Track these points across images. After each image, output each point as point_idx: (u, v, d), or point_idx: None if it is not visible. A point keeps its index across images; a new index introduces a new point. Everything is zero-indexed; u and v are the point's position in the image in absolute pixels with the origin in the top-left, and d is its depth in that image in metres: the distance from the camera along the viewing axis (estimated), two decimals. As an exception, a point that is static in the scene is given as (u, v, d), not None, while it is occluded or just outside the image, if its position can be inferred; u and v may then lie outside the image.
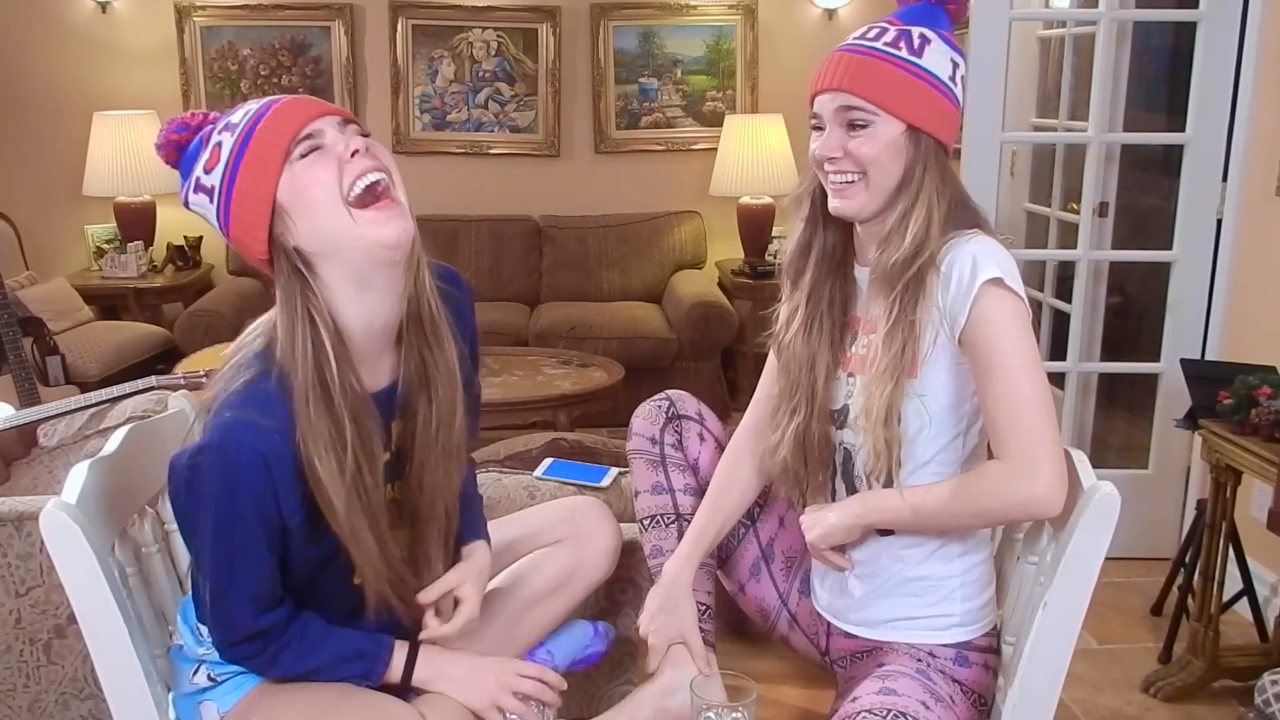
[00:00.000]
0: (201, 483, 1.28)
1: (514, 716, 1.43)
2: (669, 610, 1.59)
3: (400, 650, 1.44)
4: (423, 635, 1.47)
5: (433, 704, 1.43)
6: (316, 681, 1.41)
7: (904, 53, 1.43)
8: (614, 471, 2.09)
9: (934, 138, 1.44)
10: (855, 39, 1.47)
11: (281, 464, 1.27)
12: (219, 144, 1.33)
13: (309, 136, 1.29)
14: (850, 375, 1.52)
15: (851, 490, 1.54)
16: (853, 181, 1.45)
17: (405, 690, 1.45)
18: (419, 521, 1.45)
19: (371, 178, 1.29)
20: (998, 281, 1.38)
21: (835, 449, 1.54)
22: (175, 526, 1.60)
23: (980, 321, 1.39)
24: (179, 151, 1.40)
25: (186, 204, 1.39)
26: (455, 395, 1.44)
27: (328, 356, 1.29)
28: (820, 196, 1.52)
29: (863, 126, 1.43)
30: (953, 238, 1.44)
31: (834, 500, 1.56)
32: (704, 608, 1.64)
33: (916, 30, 1.45)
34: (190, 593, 1.49)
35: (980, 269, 1.39)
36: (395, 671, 1.43)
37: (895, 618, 1.54)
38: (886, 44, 1.44)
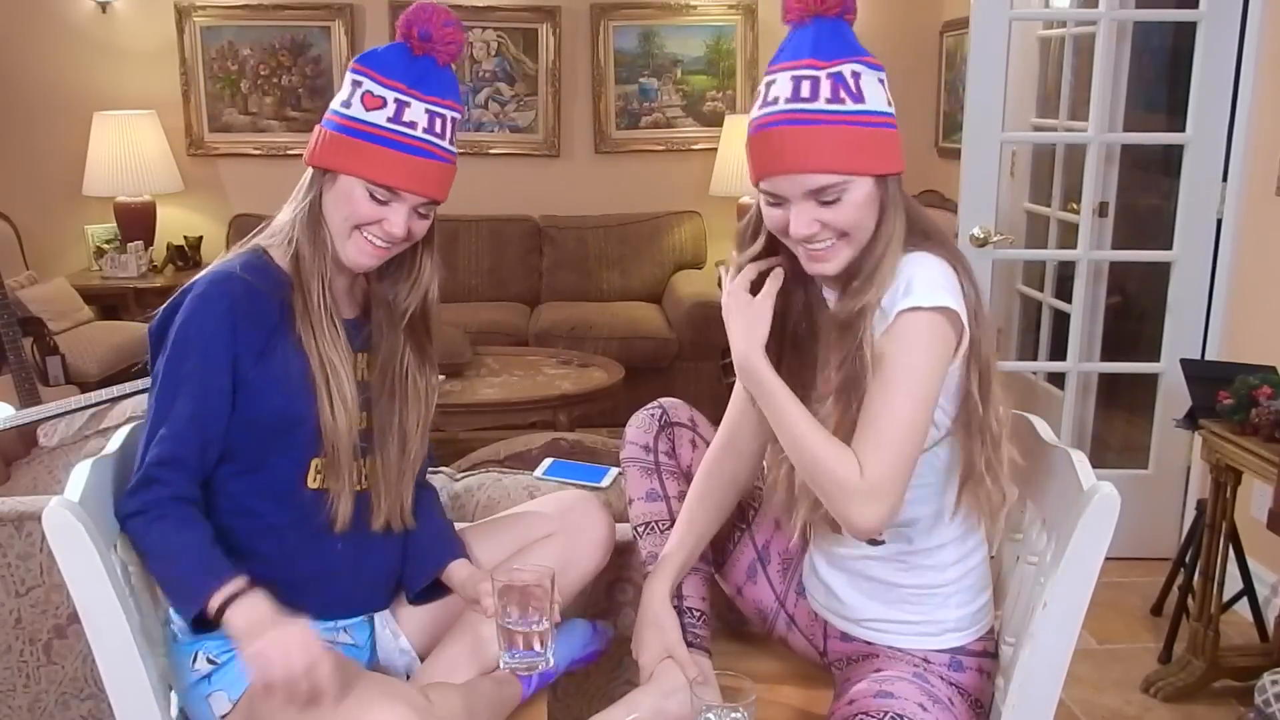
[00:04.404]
0: (171, 318, 1.45)
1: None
2: (650, 628, 1.60)
3: (237, 587, 1.37)
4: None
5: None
6: (160, 571, 1.41)
7: (849, 104, 1.34)
8: (614, 471, 2.09)
9: (895, 175, 1.40)
10: (790, 103, 1.34)
11: (248, 308, 1.44)
12: (384, 101, 1.45)
13: (388, 193, 1.46)
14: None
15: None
16: (832, 244, 1.39)
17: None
18: (385, 453, 1.55)
19: (382, 244, 1.49)
20: (915, 309, 1.34)
21: None
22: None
23: (887, 339, 1.35)
24: (427, 49, 1.47)
25: (351, 68, 1.49)
26: (432, 380, 1.62)
27: (325, 242, 1.50)
28: (782, 254, 1.47)
29: (835, 200, 1.36)
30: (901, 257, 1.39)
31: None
32: (698, 613, 1.64)
33: (847, 69, 1.34)
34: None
35: (904, 295, 1.35)
36: (214, 603, 1.35)
37: (887, 621, 1.54)
38: (828, 100, 1.33)
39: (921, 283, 1.35)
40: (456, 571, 1.58)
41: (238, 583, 1.37)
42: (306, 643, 1.33)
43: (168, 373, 1.43)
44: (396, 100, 1.45)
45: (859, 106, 1.34)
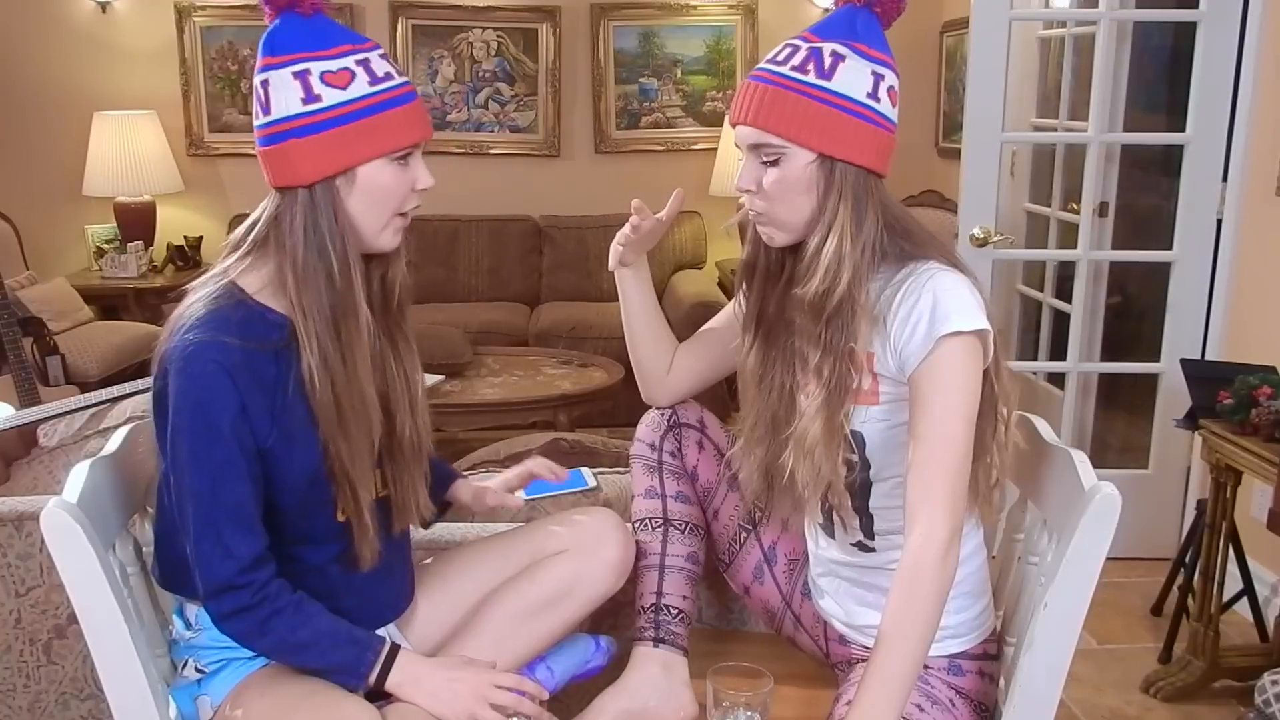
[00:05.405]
0: (175, 409, 1.32)
1: None
2: None
3: (379, 652, 1.41)
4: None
5: (399, 712, 1.39)
6: (305, 663, 1.39)
7: (811, 76, 1.37)
8: (588, 470, 2.07)
9: (851, 164, 1.38)
10: (766, 62, 1.41)
11: (249, 377, 1.34)
12: (351, 72, 1.35)
13: (409, 152, 1.40)
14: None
15: (827, 509, 1.52)
16: (764, 213, 1.43)
17: (378, 696, 1.40)
18: (400, 459, 1.50)
19: (415, 211, 1.44)
20: (957, 334, 1.33)
21: None
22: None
23: (932, 369, 1.35)
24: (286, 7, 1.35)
25: (268, 66, 1.34)
26: (416, 358, 1.54)
27: (346, 258, 1.38)
28: None
29: (773, 162, 1.39)
30: (905, 271, 1.39)
31: (821, 516, 1.55)
32: (676, 610, 1.61)
33: (829, 48, 1.37)
34: (156, 564, 1.49)
35: (942, 318, 1.34)
36: (373, 679, 1.39)
37: None
38: (794, 68, 1.37)
39: (954, 304, 1.34)
40: (459, 493, 1.69)
41: (377, 647, 1.40)
42: (481, 683, 1.41)
43: (201, 460, 1.32)
44: (356, 63, 1.34)
45: (820, 82, 1.36)
